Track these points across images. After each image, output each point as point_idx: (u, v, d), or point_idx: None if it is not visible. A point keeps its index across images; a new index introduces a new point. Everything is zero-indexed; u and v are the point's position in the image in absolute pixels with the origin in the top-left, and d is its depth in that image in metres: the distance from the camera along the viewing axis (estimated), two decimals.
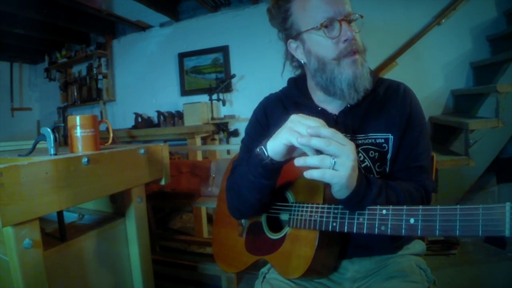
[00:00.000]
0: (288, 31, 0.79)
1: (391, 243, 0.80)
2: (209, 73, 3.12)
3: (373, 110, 0.79)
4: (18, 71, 3.88)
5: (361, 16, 0.73)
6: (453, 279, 1.64)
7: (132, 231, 1.16)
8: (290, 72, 0.89)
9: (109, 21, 3.26)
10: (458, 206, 0.50)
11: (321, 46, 0.74)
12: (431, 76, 2.46)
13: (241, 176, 0.75)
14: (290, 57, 0.84)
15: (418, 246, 0.86)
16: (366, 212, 0.62)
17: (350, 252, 0.80)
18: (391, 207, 0.59)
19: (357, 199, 0.61)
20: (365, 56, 0.75)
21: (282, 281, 0.79)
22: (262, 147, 0.66)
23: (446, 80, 2.45)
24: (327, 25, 0.71)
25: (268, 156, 0.65)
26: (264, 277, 0.84)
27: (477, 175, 1.90)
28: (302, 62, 0.80)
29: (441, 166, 1.83)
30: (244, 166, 0.74)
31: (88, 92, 3.60)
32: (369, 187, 0.62)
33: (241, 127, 2.96)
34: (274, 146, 0.64)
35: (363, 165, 0.77)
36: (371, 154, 0.77)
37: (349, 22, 0.72)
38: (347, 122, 0.78)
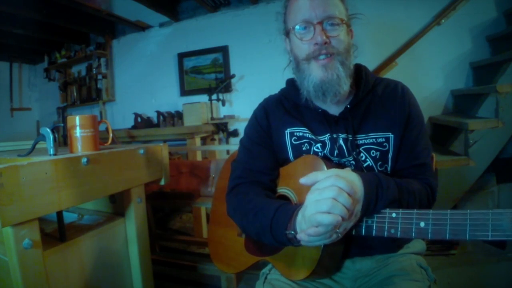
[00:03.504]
0: (285, 28, 0.82)
1: (392, 242, 0.81)
2: (208, 73, 3.11)
3: (373, 110, 0.79)
4: (18, 71, 3.88)
5: (342, 20, 0.74)
6: (453, 279, 1.64)
7: (132, 231, 1.16)
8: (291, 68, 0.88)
9: (108, 21, 3.25)
10: (469, 211, 0.51)
11: (296, 45, 0.77)
12: (430, 76, 2.46)
13: (255, 229, 0.74)
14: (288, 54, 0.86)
15: (418, 245, 0.86)
16: (375, 215, 0.62)
17: (352, 252, 0.80)
18: (401, 210, 0.59)
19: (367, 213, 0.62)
20: (345, 57, 0.74)
21: (284, 281, 0.78)
22: (294, 234, 0.64)
23: (446, 80, 2.44)
24: (302, 27, 0.74)
25: (299, 242, 0.63)
26: (266, 277, 0.83)
27: (477, 175, 1.90)
28: (290, 59, 0.83)
29: (441, 166, 1.82)
30: (260, 219, 0.72)
31: (88, 92, 3.59)
32: (378, 203, 0.62)
33: (241, 127, 2.96)
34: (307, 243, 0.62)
35: (365, 165, 0.77)
36: (373, 153, 0.77)
37: (328, 25, 0.72)
38: (347, 123, 0.78)
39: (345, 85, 0.74)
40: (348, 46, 0.75)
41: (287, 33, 0.80)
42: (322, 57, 0.73)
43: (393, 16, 2.49)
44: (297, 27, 0.74)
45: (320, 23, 0.72)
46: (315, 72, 0.73)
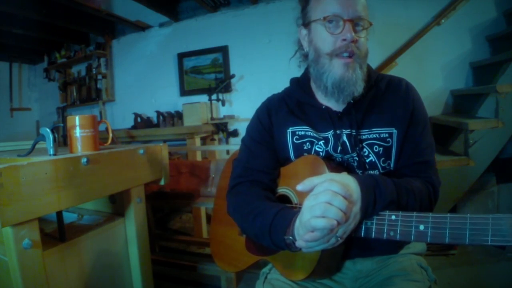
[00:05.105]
0: (303, 17, 0.81)
1: (393, 243, 0.80)
2: (208, 73, 3.11)
3: (376, 105, 0.80)
4: (18, 71, 3.87)
5: (370, 24, 0.75)
6: (453, 279, 1.64)
7: (132, 231, 1.16)
8: (297, 60, 0.88)
9: (108, 21, 3.25)
10: (469, 215, 0.51)
11: (321, 38, 0.76)
12: (430, 76, 2.46)
13: (254, 232, 0.75)
14: (299, 45, 0.86)
15: (418, 245, 0.86)
16: (375, 217, 0.62)
17: (353, 253, 0.80)
18: (400, 212, 0.59)
19: (366, 215, 0.62)
20: (363, 62, 0.76)
21: (284, 281, 0.79)
22: (292, 240, 0.64)
23: (446, 80, 2.44)
24: (331, 20, 0.73)
25: (298, 247, 0.63)
26: (266, 277, 0.83)
27: (477, 175, 1.90)
28: (305, 50, 0.83)
29: (441, 166, 1.82)
30: (259, 224, 0.72)
31: (88, 92, 3.59)
32: (376, 204, 0.62)
33: (241, 127, 2.96)
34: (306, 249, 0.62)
35: (367, 160, 0.77)
36: (376, 148, 0.77)
37: (356, 25, 0.73)
38: (351, 118, 0.78)
39: (360, 88, 0.75)
40: (366, 52, 0.77)
41: (307, 24, 0.80)
42: (345, 54, 0.73)
43: (393, 16, 2.49)
44: (324, 19, 0.73)
45: (351, 21, 0.72)
46: (336, 69, 0.74)
